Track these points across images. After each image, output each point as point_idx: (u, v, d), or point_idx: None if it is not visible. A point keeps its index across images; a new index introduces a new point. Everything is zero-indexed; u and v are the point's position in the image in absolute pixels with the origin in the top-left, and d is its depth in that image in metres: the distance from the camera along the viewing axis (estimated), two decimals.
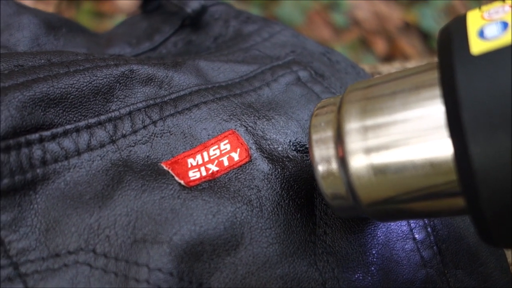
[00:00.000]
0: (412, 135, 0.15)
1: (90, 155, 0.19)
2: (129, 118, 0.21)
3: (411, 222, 0.23)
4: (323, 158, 0.18)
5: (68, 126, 0.19)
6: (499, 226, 0.14)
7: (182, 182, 0.19)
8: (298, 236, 0.20)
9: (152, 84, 0.23)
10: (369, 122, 0.16)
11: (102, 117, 0.20)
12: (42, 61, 0.21)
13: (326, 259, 0.20)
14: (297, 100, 0.25)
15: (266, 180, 0.21)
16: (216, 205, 0.19)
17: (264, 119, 0.23)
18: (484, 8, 0.15)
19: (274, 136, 0.23)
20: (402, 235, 0.22)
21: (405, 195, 0.16)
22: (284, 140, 0.23)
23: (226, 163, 0.20)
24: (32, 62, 0.20)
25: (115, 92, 0.21)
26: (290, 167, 0.22)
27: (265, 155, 0.22)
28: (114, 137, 0.20)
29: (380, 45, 0.95)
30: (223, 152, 0.21)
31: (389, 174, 0.16)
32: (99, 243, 0.17)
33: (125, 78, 0.22)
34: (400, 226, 0.22)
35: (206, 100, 0.23)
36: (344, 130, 0.17)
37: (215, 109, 0.22)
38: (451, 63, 0.14)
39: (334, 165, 0.17)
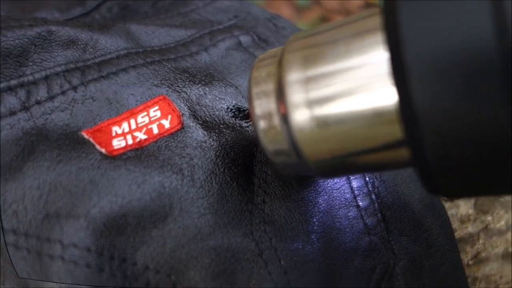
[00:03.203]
0: (355, 84, 0.14)
1: None
2: (45, 83, 0.19)
3: (355, 189, 0.22)
4: (264, 112, 0.17)
5: None
6: (443, 174, 0.13)
7: (103, 151, 0.18)
8: (233, 206, 0.19)
9: (74, 47, 0.21)
10: (311, 72, 0.15)
11: (13, 82, 0.18)
12: None
13: (263, 228, 0.19)
14: (237, 66, 0.24)
15: (199, 148, 0.20)
16: (142, 175, 0.18)
17: (200, 85, 0.22)
18: None
19: (210, 102, 0.22)
20: (345, 203, 0.22)
21: (350, 148, 0.15)
22: (221, 107, 0.22)
23: (155, 130, 0.19)
24: None
25: (30, 55, 0.20)
26: (227, 134, 0.21)
27: (199, 122, 0.21)
28: (26, 104, 0.18)
29: None
30: (152, 119, 0.20)
31: (333, 126, 0.15)
32: (7, 219, 0.16)
33: (42, 40, 0.20)
34: (343, 194, 0.22)
35: (136, 64, 0.21)
36: (285, 82, 0.16)
37: (145, 73, 0.21)
38: (393, 3, 0.13)
39: (276, 120, 0.16)
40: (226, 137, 0.21)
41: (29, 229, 0.16)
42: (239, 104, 0.22)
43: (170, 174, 0.18)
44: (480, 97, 0.12)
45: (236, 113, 0.22)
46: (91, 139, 0.18)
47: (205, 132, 0.20)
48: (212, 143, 0.20)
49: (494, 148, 0.12)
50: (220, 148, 0.20)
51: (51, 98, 0.19)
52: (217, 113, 0.22)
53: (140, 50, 0.22)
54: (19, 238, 0.16)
